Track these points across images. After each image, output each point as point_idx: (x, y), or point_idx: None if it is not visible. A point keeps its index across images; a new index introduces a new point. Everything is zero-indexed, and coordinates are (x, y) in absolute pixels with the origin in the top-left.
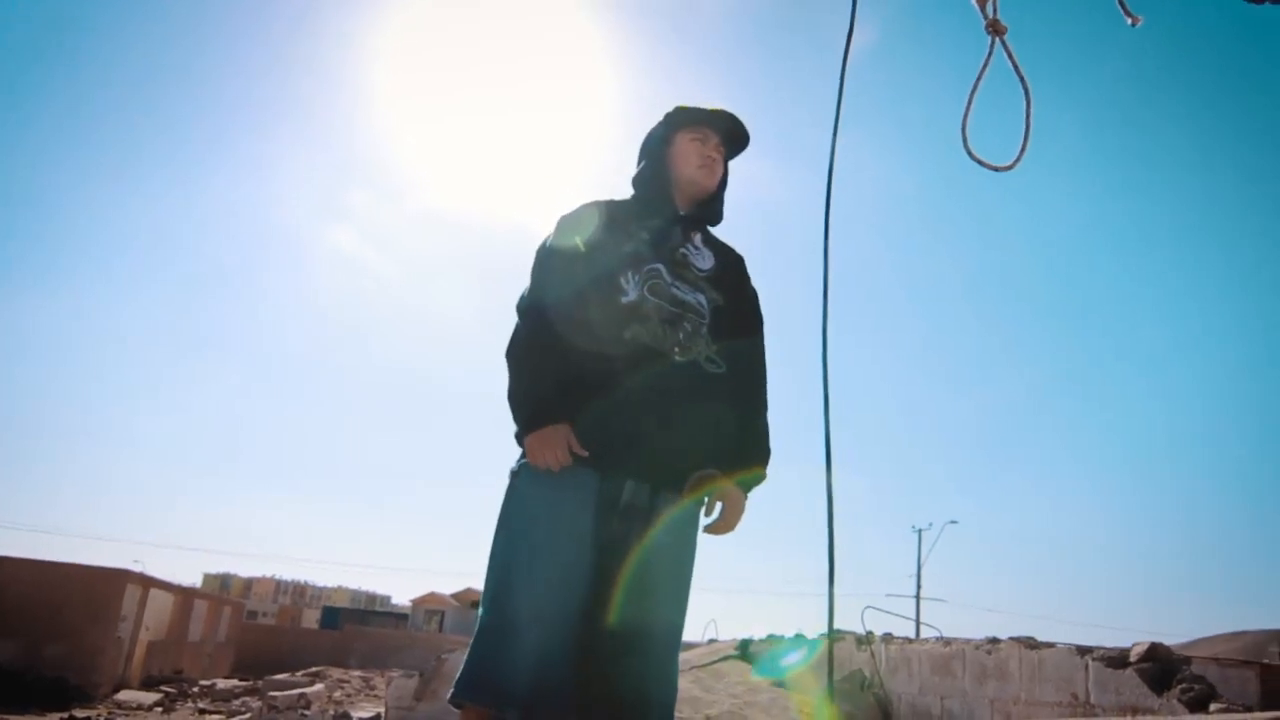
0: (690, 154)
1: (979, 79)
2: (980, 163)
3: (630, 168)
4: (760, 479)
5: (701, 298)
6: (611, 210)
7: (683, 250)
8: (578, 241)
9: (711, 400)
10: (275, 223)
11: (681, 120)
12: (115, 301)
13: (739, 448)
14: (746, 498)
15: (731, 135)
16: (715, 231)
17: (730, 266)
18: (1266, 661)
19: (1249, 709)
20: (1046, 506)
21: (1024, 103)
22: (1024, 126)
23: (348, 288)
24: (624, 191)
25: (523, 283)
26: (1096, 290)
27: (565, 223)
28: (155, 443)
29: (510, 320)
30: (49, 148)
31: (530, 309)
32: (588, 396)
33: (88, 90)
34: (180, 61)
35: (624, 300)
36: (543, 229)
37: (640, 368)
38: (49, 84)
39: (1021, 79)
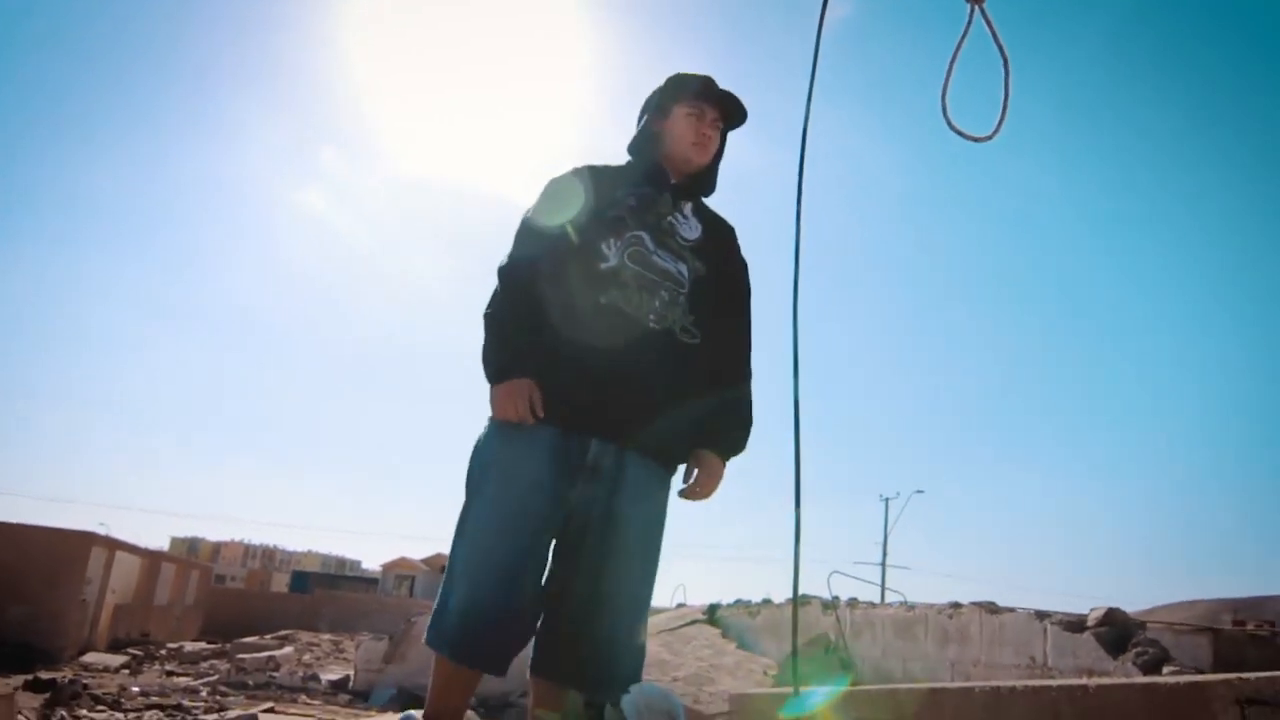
0: (686, 130)
1: (958, 49)
2: (960, 133)
3: (602, 136)
4: (739, 448)
5: (683, 267)
6: (600, 176)
7: (670, 219)
8: (562, 206)
9: (684, 369)
10: (245, 188)
11: (679, 92)
12: (84, 266)
13: (716, 418)
14: (724, 466)
15: (729, 111)
16: (709, 202)
17: (718, 238)
18: (1219, 629)
19: (1201, 672)
20: (1012, 478)
21: (1003, 73)
22: (1003, 96)
23: (318, 253)
24: (610, 156)
25: (501, 247)
26: (1066, 266)
27: (552, 187)
28: (123, 406)
29: (487, 284)
30: (17, 117)
31: (508, 271)
32: (558, 357)
33: (55, 59)
34: (148, 25)
35: (603, 266)
36: (516, 195)
37: (614, 333)
38: (16, 54)
39: (1000, 48)
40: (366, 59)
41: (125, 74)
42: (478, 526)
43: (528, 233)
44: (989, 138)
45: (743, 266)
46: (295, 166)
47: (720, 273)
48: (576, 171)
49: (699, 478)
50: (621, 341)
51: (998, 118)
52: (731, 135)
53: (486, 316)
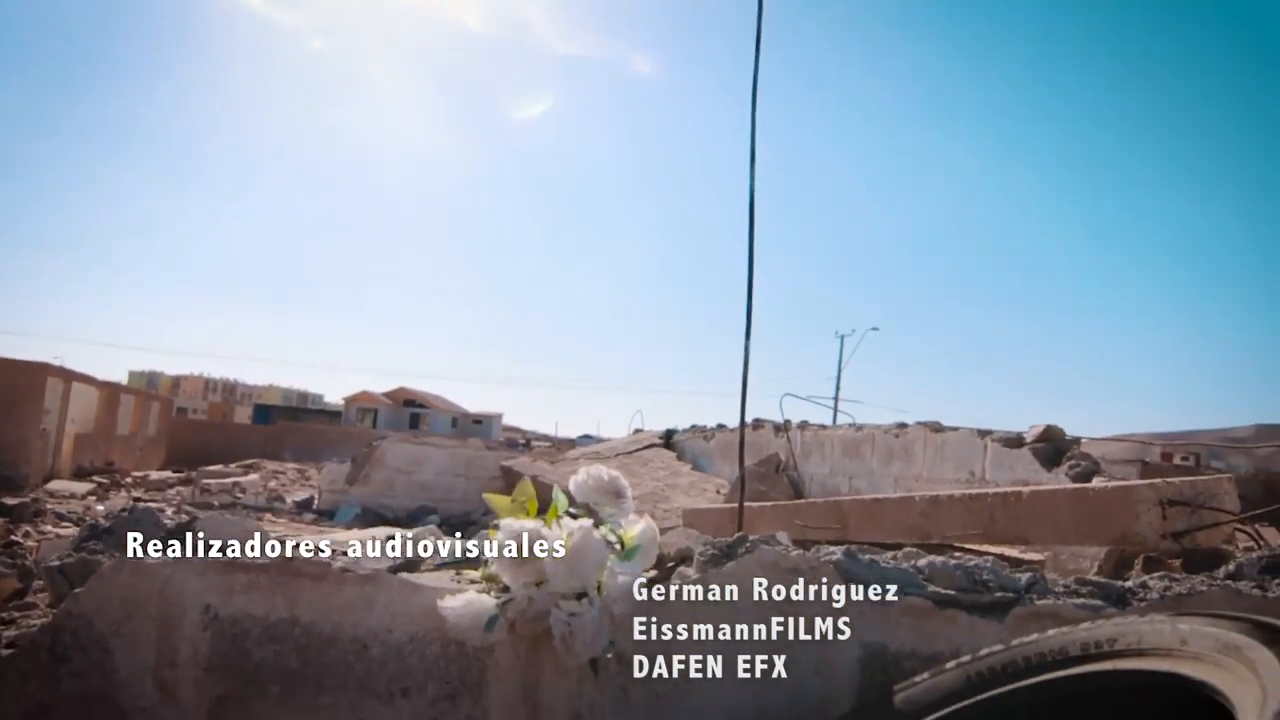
0: None
1: None
2: None
3: None
4: None
5: None
6: None
7: None
8: None
9: None
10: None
11: None
12: (29, 94)
13: None
14: None
15: None
16: None
17: None
18: (1148, 460)
19: None
20: (965, 316)
21: None
22: None
23: (270, 69)
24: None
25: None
26: (1032, 103)
27: None
28: (75, 239)
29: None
30: None
31: None
32: None
33: None
34: None
35: None
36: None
37: None
38: None
39: None
40: None
41: None
42: None
43: None
44: None
45: None
46: None
47: None
48: None
49: None
50: None
51: None
52: None
53: None
